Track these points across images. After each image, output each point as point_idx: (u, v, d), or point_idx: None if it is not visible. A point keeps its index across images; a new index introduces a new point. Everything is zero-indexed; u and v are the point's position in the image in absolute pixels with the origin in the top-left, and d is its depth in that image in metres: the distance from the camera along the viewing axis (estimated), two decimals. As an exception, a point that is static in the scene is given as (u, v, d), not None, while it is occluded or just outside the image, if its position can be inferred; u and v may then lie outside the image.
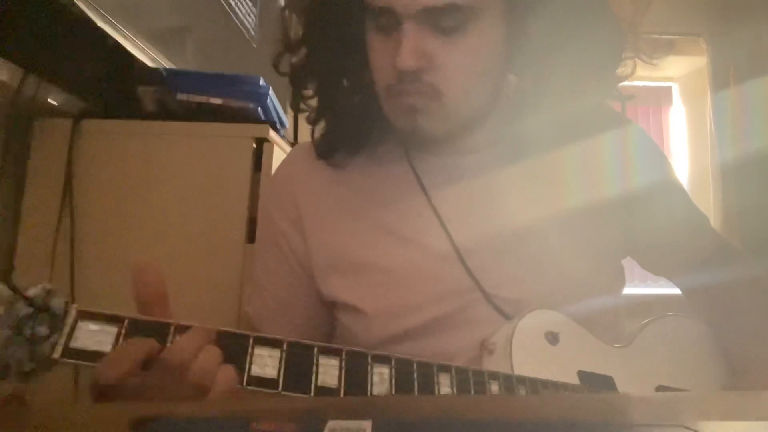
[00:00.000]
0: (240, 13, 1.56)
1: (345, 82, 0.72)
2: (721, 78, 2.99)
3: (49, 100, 1.01)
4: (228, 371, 0.47)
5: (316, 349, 0.49)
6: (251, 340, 0.48)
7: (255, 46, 1.68)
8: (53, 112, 1.02)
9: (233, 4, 1.50)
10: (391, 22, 0.62)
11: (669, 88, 3.36)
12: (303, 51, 0.72)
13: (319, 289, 0.71)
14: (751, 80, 2.88)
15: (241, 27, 1.57)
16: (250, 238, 0.97)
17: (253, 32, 1.67)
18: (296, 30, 0.72)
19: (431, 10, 0.59)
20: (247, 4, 1.62)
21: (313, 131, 0.75)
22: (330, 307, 0.72)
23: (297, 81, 0.73)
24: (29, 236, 0.96)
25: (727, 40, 2.98)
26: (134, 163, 0.99)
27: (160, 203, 0.98)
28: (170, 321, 0.48)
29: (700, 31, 3.03)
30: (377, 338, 0.67)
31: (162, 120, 1.02)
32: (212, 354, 0.47)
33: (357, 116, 0.72)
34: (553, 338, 0.62)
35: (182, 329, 0.48)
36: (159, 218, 0.98)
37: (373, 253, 0.68)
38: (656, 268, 0.80)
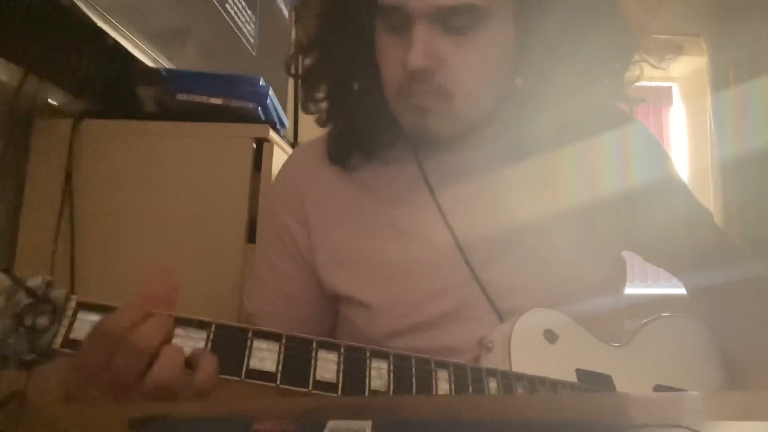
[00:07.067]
0: (239, 21, 1.56)
1: (356, 86, 0.72)
2: (721, 78, 2.98)
3: (49, 100, 1.01)
4: (210, 361, 0.46)
5: (314, 344, 0.50)
6: (250, 333, 0.48)
7: (254, 54, 1.68)
8: (53, 112, 1.02)
9: (232, 13, 1.50)
10: (402, 22, 0.61)
11: (669, 88, 3.36)
12: (315, 53, 0.72)
13: (323, 283, 0.71)
14: (751, 80, 2.88)
15: (240, 35, 1.57)
16: (250, 238, 0.97)
17: (252, 40, 1.66)
18: (306, 31, 0.72)
19: (443, 10, 0.59)
20: (246, 12, 1.62)
21: (329, 134, 0.75)
22: (333, 301, 0.72)
23: (308, 83, 0.73)
24: (29, 236, 0.96)
25: (727, 40, 2.98)
26: (134, 163, 0.99)
27: (160, 203, 0.98)
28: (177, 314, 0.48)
29: (700, 31, 3.03)
30: (381, 333, 0.67)
31: (162, 120, 1.02)
32: (156, 324, 0.46)
33: (368, 120, 0.71)
34: (551, 336, 0.62)
35: (183, 321, 0.48)
36: (159, 218, 0.98)
37: (378, 248, 0.69)
38: (657, 260, 0.81)
